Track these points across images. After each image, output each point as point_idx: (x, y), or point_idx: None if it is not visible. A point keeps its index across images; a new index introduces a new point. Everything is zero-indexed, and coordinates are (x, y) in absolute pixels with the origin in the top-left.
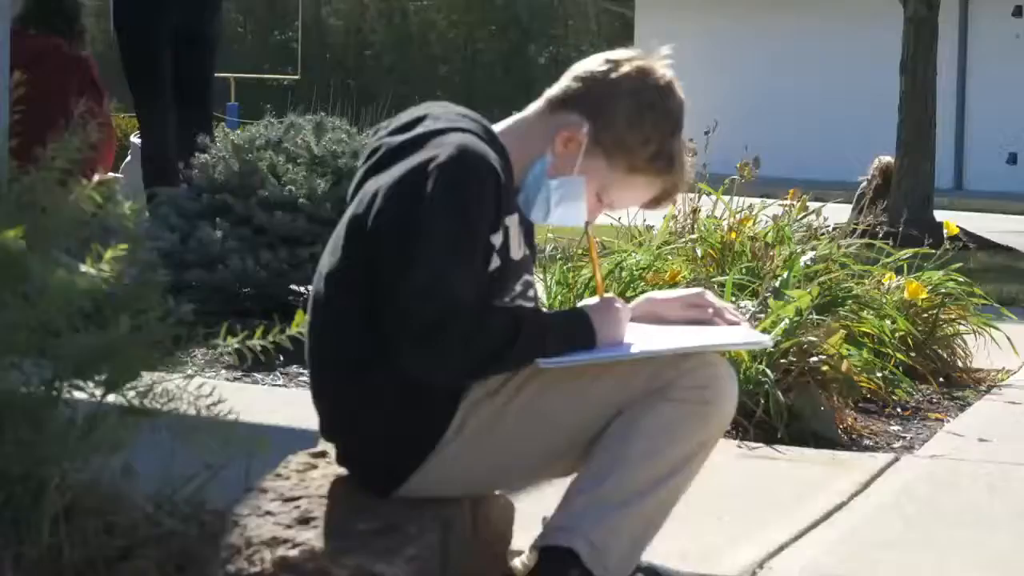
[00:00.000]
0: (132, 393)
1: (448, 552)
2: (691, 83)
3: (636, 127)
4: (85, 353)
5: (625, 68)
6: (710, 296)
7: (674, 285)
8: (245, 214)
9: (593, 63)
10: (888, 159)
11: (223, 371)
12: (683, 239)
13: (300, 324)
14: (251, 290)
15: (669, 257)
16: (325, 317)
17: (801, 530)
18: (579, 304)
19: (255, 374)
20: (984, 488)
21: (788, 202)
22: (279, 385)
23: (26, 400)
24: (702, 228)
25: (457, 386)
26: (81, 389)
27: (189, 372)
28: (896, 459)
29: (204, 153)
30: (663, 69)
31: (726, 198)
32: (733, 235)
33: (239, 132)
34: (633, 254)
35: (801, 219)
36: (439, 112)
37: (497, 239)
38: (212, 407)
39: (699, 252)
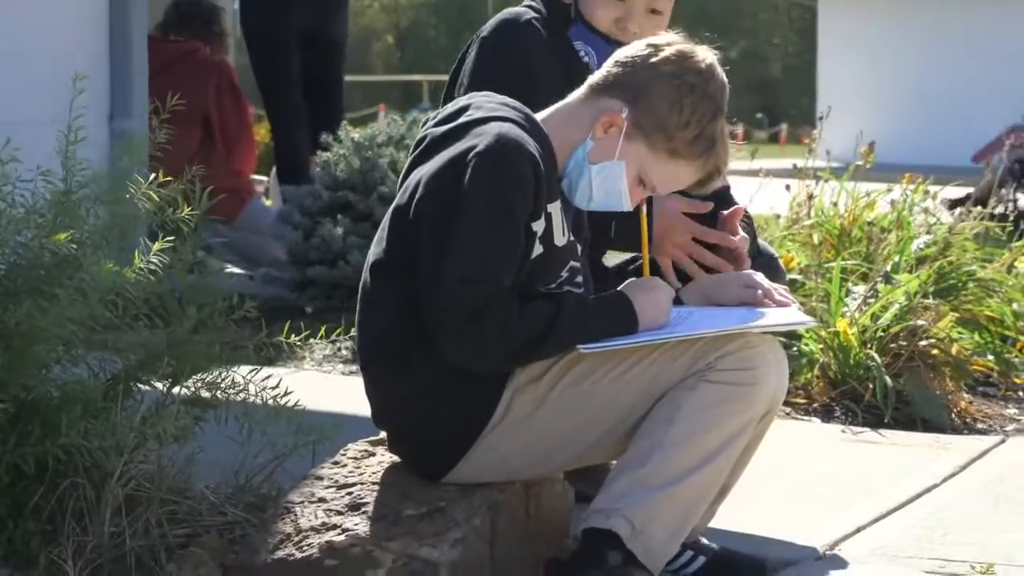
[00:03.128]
0: (198, 385)
1: (497, 536)
2: (877, 70)
3: (676, 110)
4: (149, 347)
5: (666, 52)
6: (760, 277)
7: (788, 271)
8: (366, 211)
9: (635, 48)
10: None
11: (339, 365)
12: (800, 225)
13: None
14: None
15: (788, 244)
16: (371, 307)
17: (884, 512)
18: (621, 287)
19: None
20: None
21: (905, 187)
22: None
23: (89, 392)
24: (820, 214)
25: (501, 372)
26: (144, 382)
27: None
28: (1002, 442)
29: (326, 151)
30: (704, 52)
31: (850, 185)
32: (850, 221)
33: (360, 130)
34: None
35: (921, 204)
36: (481, 102)
37: (539, 226)
38: (279, 398)
39: (816, 239)
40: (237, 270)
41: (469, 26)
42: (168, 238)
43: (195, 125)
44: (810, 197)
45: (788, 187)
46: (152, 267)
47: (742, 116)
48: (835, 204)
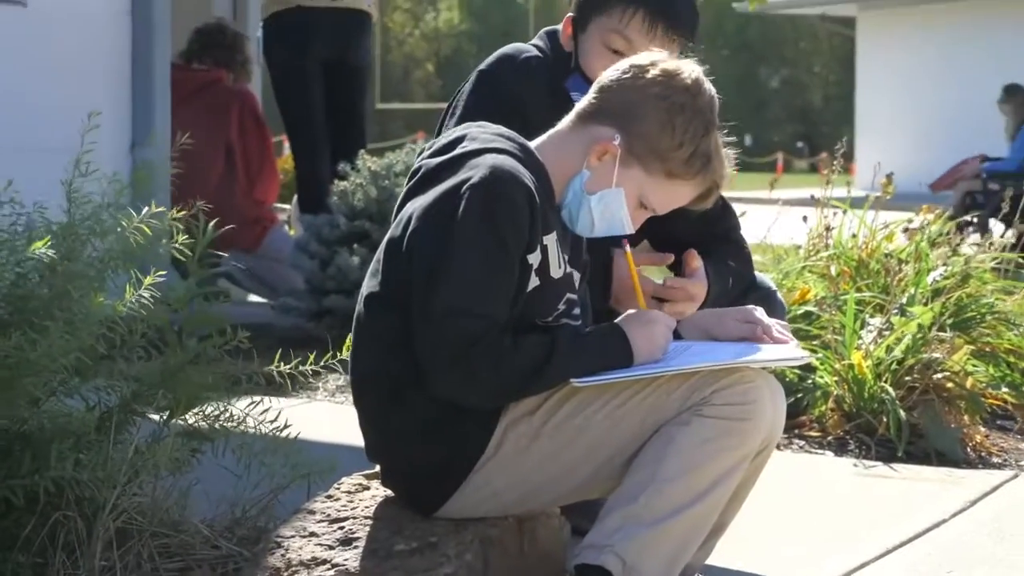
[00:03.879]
0: (195, 418)
1: (489, 571)
2: (915, 99)
3: (668, 132)
4: (145, 378)
5: (651, 73)
6: (759, 312)
7: (804, 303)
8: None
9: (619, 70)
10: None
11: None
12: (818, 256)
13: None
14: None
15: (807, 275)
16: (365, 339)
17: (889, 547)
18: (618, 320)
19: None
20: None
21: (923, 217)
22: None
23: (82, 424)
24: (838, 246)
25: (494, 406)
26: (140, 414)
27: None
28: (1014, 476)
29: (344, 180)
30: (689, 67)
31: (870, 215)
32: (867, 252)
33: (376, 159)
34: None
35: (938, 236)
36: (476, 133)
37: (535, 259)
38: (279, 431)
39: (833, 270)
40: (259, 299)
41: None
42: (160, 272)
43: (217, 154)
44: (828, 229)
45: (805, 218)
46: (144, 300)
47: (783, 145)
48: (854, 236)
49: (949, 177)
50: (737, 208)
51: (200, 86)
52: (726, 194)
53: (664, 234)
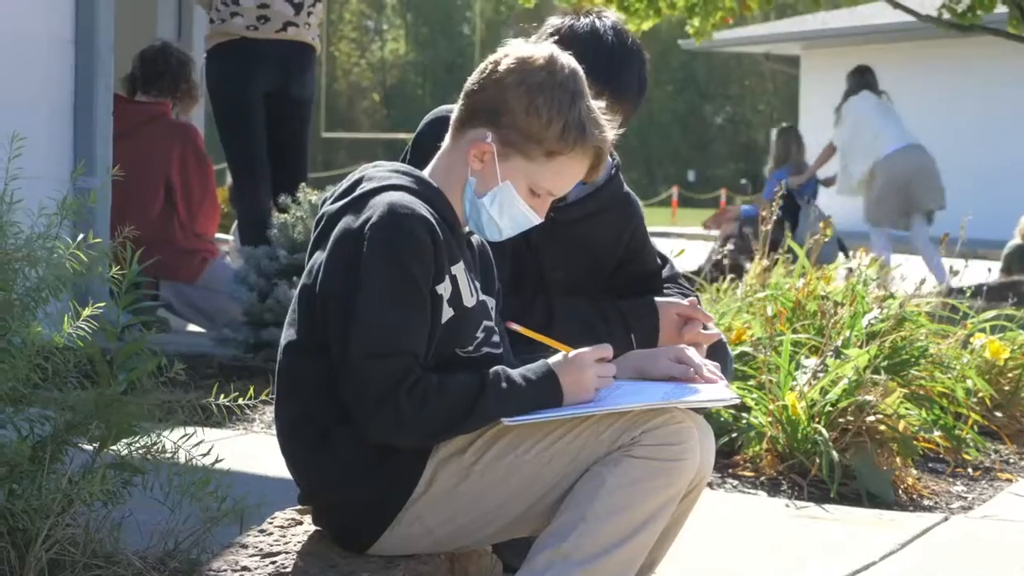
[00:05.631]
0: (128, 449)
1: None
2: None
3: (533, 113)
4: (78, 409)
5: (504, 63)
6: (691, 352)
7: (740, 343)
8: None
9: (476, 73)
10: None
11: None
12: (756, 296)
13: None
14: None
15: (744, 315)
16: (288, 387)
17: None
18: (551, 360)
19: None
20: (1022, 549)
21: (859, 259)
22: None
23: (14, 454)
24: (775, 287)
25: (424, 446)
26: (73, 445)
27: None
28: (945, 519)
29: (284, 213)
30: (541, 48)
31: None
32: (804, 294)
33: (317, 193)
34: None
35: (876, 279)
36: (373, 173)
37: (444, 289)
38: (211, 465)
39: (770, 311)
40: (198, 329)
41: (456, 85)
42: (99, 304)
43: (157, 189)
44: (766, 269)
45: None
46: (80, 332)
47: (726, 182)
48: (791, 276)
49: (717, 219)
50: (677, 244)
51: (144, 121)
52: (665, 230)
53: (609, 289)
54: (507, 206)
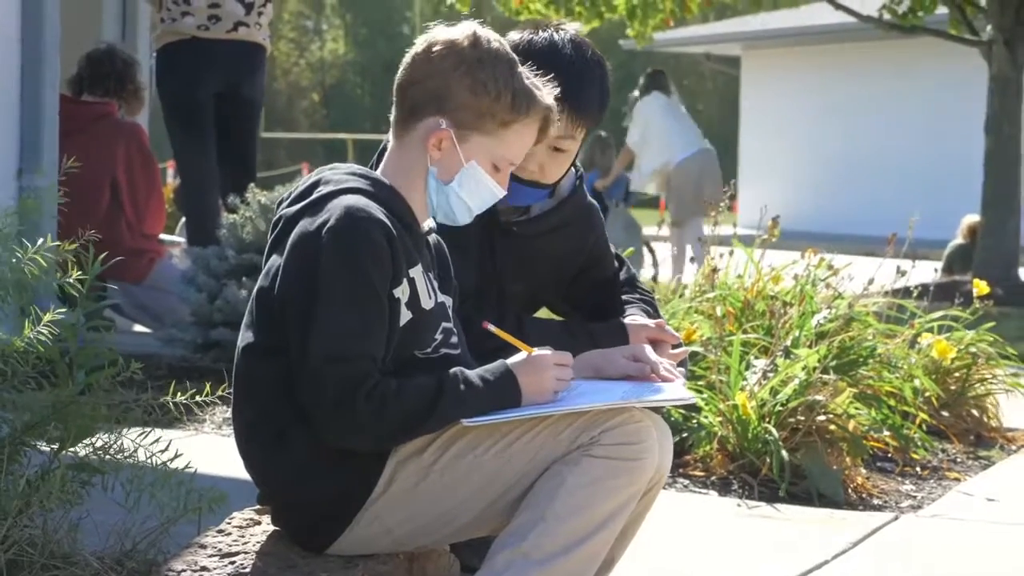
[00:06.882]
0: (87, 450)
1: None
2: (793, 135)
3: (481, 90)
4: (36, 410)
5: (435, 51)
6: (648, 351)
7: (690, 344)
8: None
9: (405, 68)
10: (975, 219)
11: None
12: (705, 297)
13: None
14: None
15: (693, 316)
16: (246, 389)
17: None
18: (509, 361)
19: None
20: (972, 548)
21: (807, 260)
22: None
23: None
24: (724, 287)
25: (383, 448)
26: (30, 446)
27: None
28: (895, 518)
29: (233, 213)
30: (462, 28)
31: (756, 256)
32: (754, 294)
33: (266, 193)
34: None
35: (825, 279)
36: (330, 176)
37: (402, 292)
38: (169, 462)
39: (719, 312)
40: (145, 329)
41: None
42: (61, 310)
43: (103, 189)
44: (714, 270)
45: (692, 259)
46: (41, 335)
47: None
48: (740, 276)
49: None
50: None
51: (90, 120)
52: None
53: (572, 300)
54: (476, 185)
